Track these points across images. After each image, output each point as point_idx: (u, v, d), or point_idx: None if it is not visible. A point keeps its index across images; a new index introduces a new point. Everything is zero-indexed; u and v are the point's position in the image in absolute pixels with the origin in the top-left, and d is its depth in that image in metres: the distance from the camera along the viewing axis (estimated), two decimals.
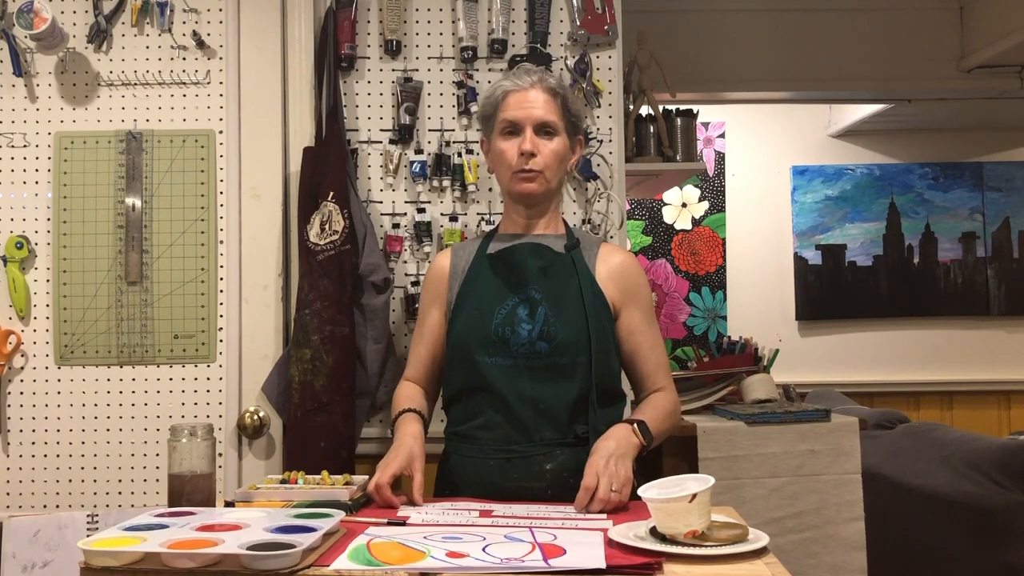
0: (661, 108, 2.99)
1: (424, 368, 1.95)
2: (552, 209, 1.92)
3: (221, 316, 2.28)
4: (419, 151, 2.36)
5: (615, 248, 1.95)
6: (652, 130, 3.00)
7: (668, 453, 2.49)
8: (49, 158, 2.30)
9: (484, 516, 1.55)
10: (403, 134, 2.35)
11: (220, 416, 2.27)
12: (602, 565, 1.22)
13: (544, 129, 1.82)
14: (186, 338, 2.28)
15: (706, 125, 4.87)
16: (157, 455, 2.25)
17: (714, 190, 4.94)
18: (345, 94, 2.36)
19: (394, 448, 1.76)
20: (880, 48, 3.73)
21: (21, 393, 2.26)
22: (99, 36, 2.30)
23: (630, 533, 1.35)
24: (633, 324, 1.87)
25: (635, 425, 1.73)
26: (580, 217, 2.36)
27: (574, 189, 2.38)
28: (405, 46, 2.37)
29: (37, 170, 2.30)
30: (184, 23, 2.32)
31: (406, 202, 2.36)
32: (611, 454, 1.64)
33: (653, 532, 1.35)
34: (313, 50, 2.34)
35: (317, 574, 1.21)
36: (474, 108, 2.31)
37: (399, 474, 1.70)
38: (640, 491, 1.36)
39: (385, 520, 1.50)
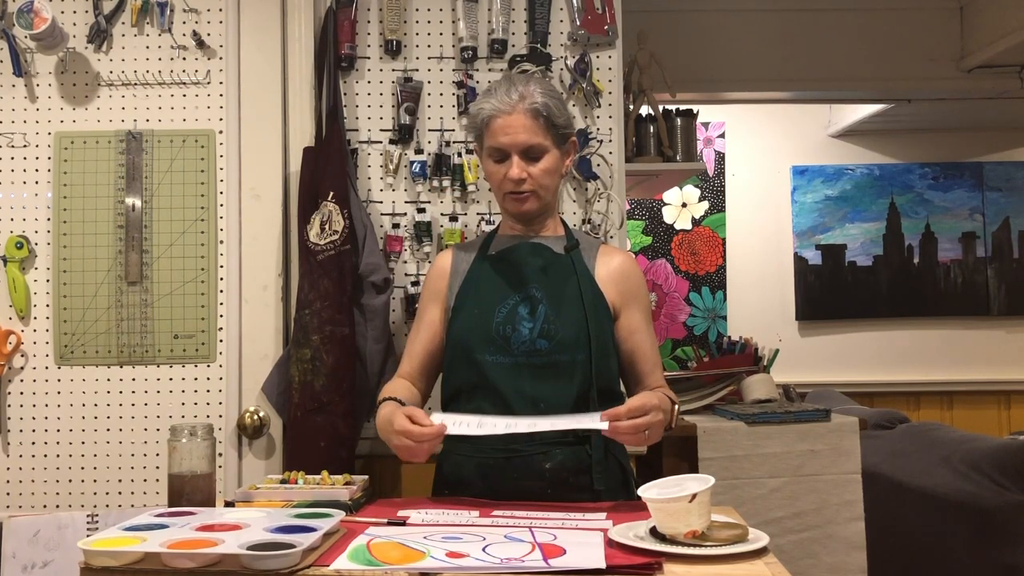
0: (661, 108, 2.99)
1: (419, 363, 1.91)
2: (550, 213, 1.92)
3: (221, 316, 2.28)
4: (419, 151, 2.36)
5: (614, 250, 1.95)
6: (652, 130, 3.00)
7: (668, 453, 2.49)
8: (49, 158, 2.30)
9: (484, 516, 1.55)
10: (403, 134, 2.35)
11: (220, 416, 2.27)
12: (602, 565, 1.22)
13: (530, 153, 1.80)
14: (186, 338, 2.28)
15: (706, 125, 4.86)
16: (157, 455, 2.25)
17: (714, 190, 4.94)
18: (345, 94, 2.36)
19: (385, 414, 1.73)
20: (880, 48, 3.73)
21: (21, 393, 2.26)
22: (99, 36, 2.30)
23: (630, 533, 1.35)
24: (633, 324, 1.87)
25: (676, 407, 1.77)
26: (580, 217, 2.36)
27: (574, 189, 2.38)
28: (405, 46, 2.37)
29: (37, 170, 2.30)
30: (184, 23, 2.32)
31: (406, 202, 2.36)
32: (659, 409, 1.65)
33: (653, 532, 1.36)
34: (313, 50, 2.34)
35: (317, 574, 1.21)
36: None
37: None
38: (640, 491, 1.37)
39: (385, 520, 1.50)
